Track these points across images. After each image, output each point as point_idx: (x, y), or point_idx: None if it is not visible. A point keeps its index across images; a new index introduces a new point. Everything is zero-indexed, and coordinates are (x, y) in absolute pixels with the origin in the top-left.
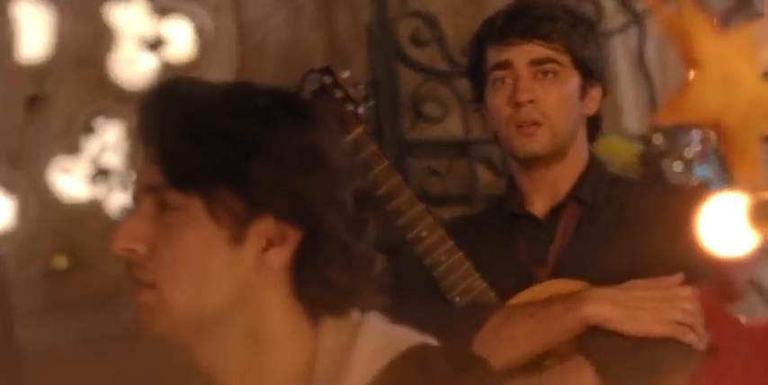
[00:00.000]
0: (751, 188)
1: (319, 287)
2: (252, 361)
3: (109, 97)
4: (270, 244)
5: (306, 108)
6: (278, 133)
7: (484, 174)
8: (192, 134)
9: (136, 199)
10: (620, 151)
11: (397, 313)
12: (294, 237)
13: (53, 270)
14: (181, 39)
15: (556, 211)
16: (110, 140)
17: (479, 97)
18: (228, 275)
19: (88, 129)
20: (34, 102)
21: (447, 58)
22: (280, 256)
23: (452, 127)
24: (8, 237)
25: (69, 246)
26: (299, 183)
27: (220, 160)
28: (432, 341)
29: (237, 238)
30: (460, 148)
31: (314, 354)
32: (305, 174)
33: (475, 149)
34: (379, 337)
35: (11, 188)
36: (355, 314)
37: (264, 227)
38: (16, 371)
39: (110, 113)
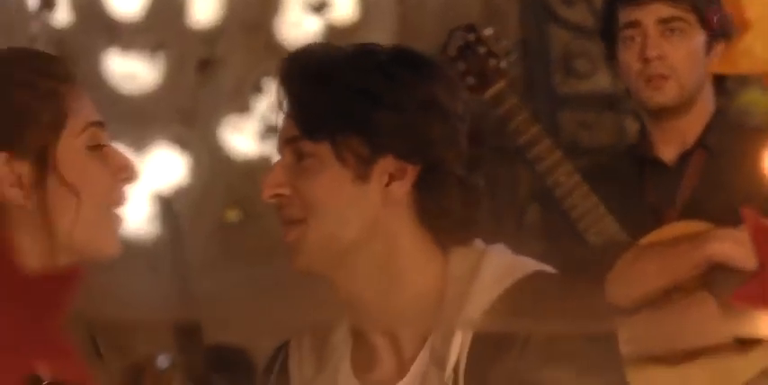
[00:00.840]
0: None
1: (440, 216)
2: (386, 287)
3: (276, 59)
4: (391, 178)
5: (423, 62)
6: (399, 86)
7: (631, 126)
8: (321, 90)
9: (280, 152)
10: (761, 103)
11: (550, 257)
12: (412, 171)
13: (226, 223)
14: (343, 1)
15: (684, 158)
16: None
17: (611, 55)
18: (358, 210)
19: (257, 89)
20: (206, 65)
21: (595, 16)
22: (401, 188)
23: (601, 81)
24: (183, 192)
25: (240, 201)
26: (417, 128)
27: (346, 111)
28: (548, 269)
29: (363, 177)
30: (609, 102)
31: (443, 281)
32: (422, 120)
33: (623, 102)
34: (500, 265)
35: (185, 146)
36: (480, 244)
37: (386, 165)
38: (193, 318)
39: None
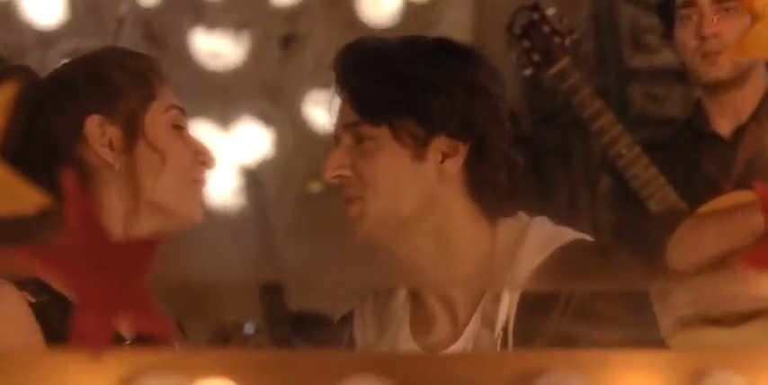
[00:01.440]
0: None
1: (487, 188)
2: (441, 255)
3: (356, 35)
4: (445, 156)
5: (464, 50)
6: (444, 71)
7: None
8: (377, 78)
9: (336, 137)
10: None
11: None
12: (463, 148)
13: (308, 194)
14: None
15: (739, 131)
16: None
17: (669, 33)
18: (415, 185)
19: None
20: (288, 42)
21: None
22: (454, 165)
23: (670, 55)
24: (267, 165)
25: (322, 173)
26: (465, 109)
27: (401, 97)
28: (586, 237)
29: (419, 156)
30: (678, 75)
31: (492, 248)
32: (468, 102)
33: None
34: (543, 234)
35: (269, 121)
36: (524, 216)
37: (439, 144)
38: (277, 283)
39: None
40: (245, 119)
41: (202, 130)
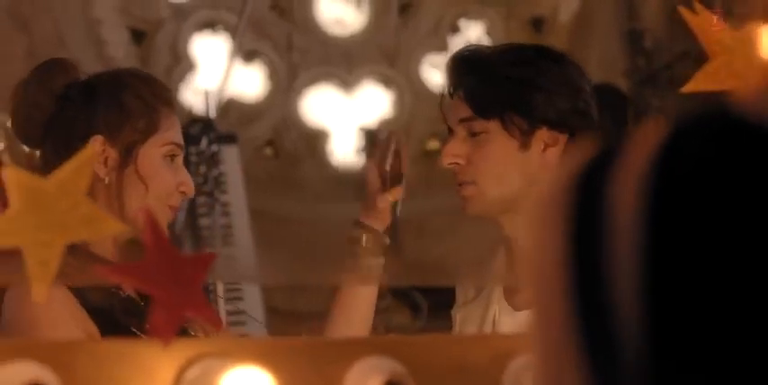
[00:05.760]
0: None
1: None
2: None
3: (472, 0)
4: (546, 146)
5: (559, 54)
6: (544, 73)
7: None
8: (488, 80)
9: (450, 128)
10: None
11: None
12: (562, 139)
13: (427, 152)
14: None
15: None
16: (473, 38)
17: None
18: (521, 171)
19: (454, 29)
20: (406, 7)
21: None
22: (554, 154)
23: None
24: (387, 125)
25: (440, 132)
26: (563, 105)
27: (509, 95)
28: None
29: (525, 146)
30: None
31: None
32: (566, 99)
33: None
34: None
35: (389, 83)
36: None
37: (542, 135)
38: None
39: (472, 15)
40: (367, 82)
41: (327, 94)
